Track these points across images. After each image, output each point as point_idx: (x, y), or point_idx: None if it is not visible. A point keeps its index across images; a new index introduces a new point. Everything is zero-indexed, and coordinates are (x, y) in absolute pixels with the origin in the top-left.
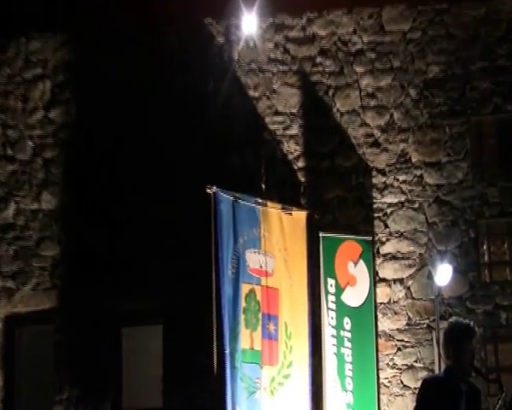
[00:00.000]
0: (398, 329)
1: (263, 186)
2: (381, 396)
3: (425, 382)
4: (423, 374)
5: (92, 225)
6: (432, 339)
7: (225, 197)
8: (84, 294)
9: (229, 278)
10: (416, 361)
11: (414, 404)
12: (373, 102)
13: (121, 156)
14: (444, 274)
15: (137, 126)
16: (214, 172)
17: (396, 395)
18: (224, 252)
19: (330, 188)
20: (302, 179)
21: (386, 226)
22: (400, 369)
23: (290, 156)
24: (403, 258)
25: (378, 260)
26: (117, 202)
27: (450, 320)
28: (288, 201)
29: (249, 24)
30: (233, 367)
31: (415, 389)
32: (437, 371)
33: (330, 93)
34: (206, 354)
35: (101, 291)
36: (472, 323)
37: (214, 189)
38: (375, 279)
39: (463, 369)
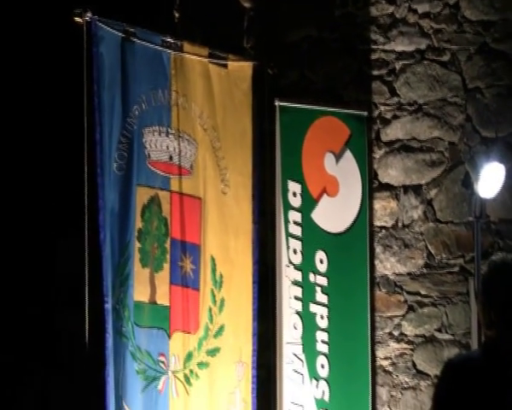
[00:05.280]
0: (410, 273)
1: (175, 15)
2: (379, 389)
3: (448, 366)
4: (452, 352)
5: None
6: (468, 292)
7: (109, 32)
8: None
9: (114, 177)
10: (439, 330)
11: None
12: None
13: None
14: (491, 180)
15: None
16: None
17: (404, 388)
18: (104, 131)
19: (296, 22)
20: (246, 5)
21: (394, 93)
22: (412, 343)
23: None
24: (421, 150)
25: (378, 153)
26: None
27: (492, 259)
28: (222, 42)
29: None
30: (118, 334)
31: (436, 377)
32: (475, 348)
33: None
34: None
35: None
36: None
37: (88, 15)
38: (372, 186)
39: None
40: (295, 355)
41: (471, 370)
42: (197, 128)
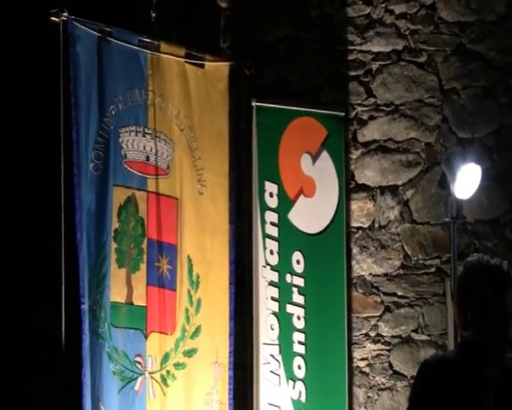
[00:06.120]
0: (386, 274)
1: (152, 15)
2: (355, 390)
3: (424, 367)
4: (428, 353)
5: None
6: (444, 293)
7: (85, 31)
8: None
9: (91, 177)
10: (416, 331)
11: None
12: None
13: None
14: (468, 181)
15: None
16: None
17: (380, 389)
18: (80, 130)
19: (273, 23)
20: (223, 5)
21: (371, 94)
22: (389, 344)
23: None
24: (397, 151)
25: (355, 154)
26: None
27: (468, 260)
28: (199, 42)
29: None
30: (94, 335)
31: (412, 378)
32: (451, 349)
33: None
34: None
35: None
36: (505, 264)
37: (65, 14)
38: (349, 187)
39: (491, 345)
40: (272, 356)
41: (447, 370)
42: (174, 128)
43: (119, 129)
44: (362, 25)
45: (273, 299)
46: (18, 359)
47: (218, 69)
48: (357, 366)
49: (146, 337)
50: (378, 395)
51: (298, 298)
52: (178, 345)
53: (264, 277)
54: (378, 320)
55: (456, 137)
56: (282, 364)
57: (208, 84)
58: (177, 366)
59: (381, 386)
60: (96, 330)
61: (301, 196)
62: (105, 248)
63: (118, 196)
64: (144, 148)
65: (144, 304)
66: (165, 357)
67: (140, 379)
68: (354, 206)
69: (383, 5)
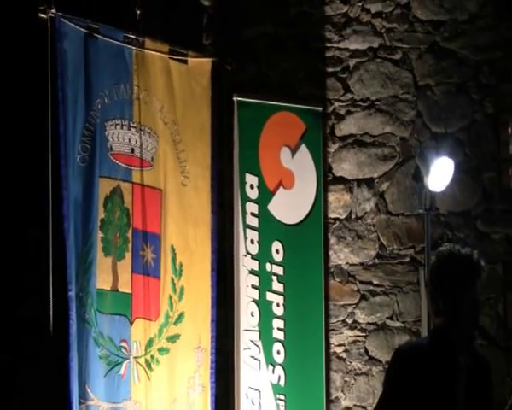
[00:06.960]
0: (362, 264)
1: (137, 12)
2: (333, 375)
3: (398, 353)
4: (403, 339)
5: None
6: (418, 282)
7: (73, 28)
8: None
9: (77, 168)
10: (391, 318)
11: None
12: None
13: None
14: (441, 174)
15: None
16: None
17: (357, 374)
18: (68, 124)
19: (253, 20)
20: (206, 3)
21: (348, 90)
22: (365, 330)
23: None
24: (373, 144)
25: (332, 147)
26: None
27: (440, 250)
28: (182, 39)
29: None
30: (81, 321)
31: (387, 363)
32: (424, 335)
33: None
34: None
35: None
36: (476, 254)
37: (52, 11)
38: (327, 179)
39: (462, 331)
40: (252, 342)
41: (420, 356)
42: (158, 122)
43: (105, 122)
44: (339, 23)
45: (253, 287)
46: (6, 344)
47: (201, 65)
48: (335, 352)
49: (131, 323)
50: (354, 379)
51: (277, 286)
52: (162, 331)
53: (245, 265)
54: (354, 308)
55: (429, 132)
56: (261, 349)
57: (191, 79)
58: (161, 350)
59: (358, 371)
60: (83, 317)
61: (281, 188)
62: (91, 237)
63: (104, 187)
64: (129, 140)
65: (129, 291)
66: (150, 342)
67: (125, 363)
68: (331, 197)
69: (360, 4)
